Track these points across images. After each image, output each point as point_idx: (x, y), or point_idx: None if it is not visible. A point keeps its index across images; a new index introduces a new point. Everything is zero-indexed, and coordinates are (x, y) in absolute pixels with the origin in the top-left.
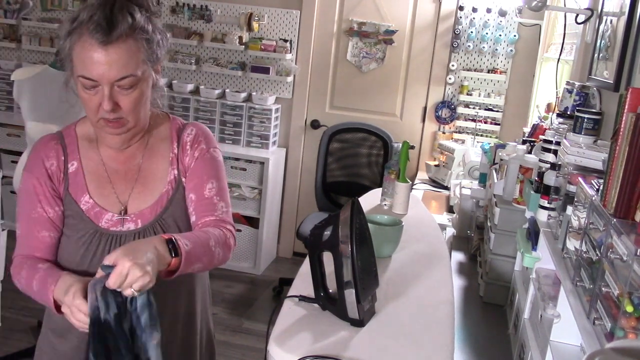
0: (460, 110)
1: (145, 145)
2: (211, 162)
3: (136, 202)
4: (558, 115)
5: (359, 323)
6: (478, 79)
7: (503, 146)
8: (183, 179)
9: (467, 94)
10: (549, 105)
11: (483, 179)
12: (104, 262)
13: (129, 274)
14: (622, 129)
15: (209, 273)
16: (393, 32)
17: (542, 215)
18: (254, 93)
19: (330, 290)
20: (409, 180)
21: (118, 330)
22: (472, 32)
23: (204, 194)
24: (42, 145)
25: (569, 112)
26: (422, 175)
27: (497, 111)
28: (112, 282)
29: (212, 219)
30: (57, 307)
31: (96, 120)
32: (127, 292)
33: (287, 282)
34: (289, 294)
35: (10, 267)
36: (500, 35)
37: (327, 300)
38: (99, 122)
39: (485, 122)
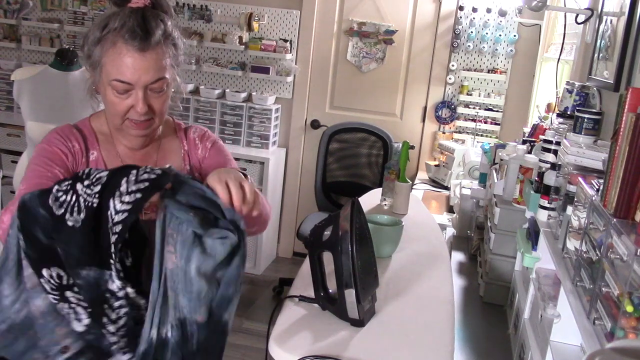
0: (460, 110)
1: (159, 144)
2: (224, 151)
3: None
4: (558, 115)
5: (359, 323)
6: (478, 79)
7: (503, 146)
8: (195, 174)
9: (467, 94)
10: (549, 105)
11: (483, 179)
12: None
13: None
14: (622, 129)
15: None
16: (393, 32)
17: (542, 215)
18: (254, 93)
19: (330, 290)
20: (409, 180)
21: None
22: (472, 32)
23: None
24: (60, 130)
25: (569, 112)
26: (422, 175)
27: (497, 111)
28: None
29: None
30: None
31: (121, 123)
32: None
33: (287, 282)
34: (289, 294)
35: None
36: (500, 35)
37: (327, 300)
38: (125, 124)
39: (485, 122)
